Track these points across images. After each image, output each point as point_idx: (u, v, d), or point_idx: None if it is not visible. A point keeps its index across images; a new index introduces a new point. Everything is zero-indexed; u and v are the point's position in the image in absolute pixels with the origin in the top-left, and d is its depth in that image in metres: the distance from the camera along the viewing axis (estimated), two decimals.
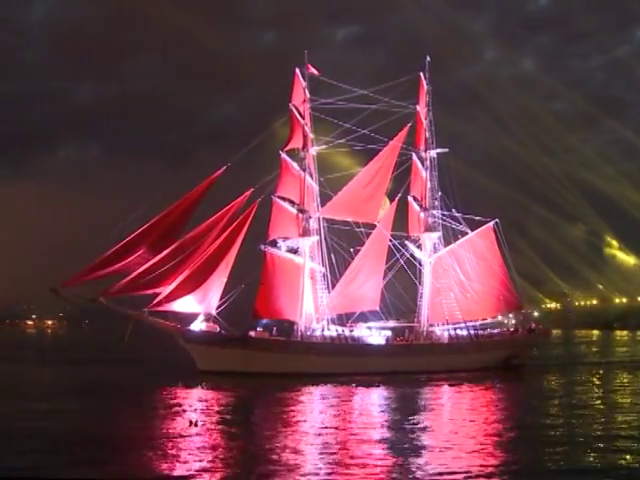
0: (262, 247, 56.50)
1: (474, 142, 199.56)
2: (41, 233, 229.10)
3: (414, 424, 31.26)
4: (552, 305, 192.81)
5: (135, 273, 54.25)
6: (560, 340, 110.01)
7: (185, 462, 23.21)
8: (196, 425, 30.16)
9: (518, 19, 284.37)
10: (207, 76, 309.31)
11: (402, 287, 61.41)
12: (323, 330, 57.44)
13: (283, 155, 57.73)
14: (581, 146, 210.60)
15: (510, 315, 65.72)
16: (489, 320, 63.73)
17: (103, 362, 66.93)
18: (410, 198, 61.36)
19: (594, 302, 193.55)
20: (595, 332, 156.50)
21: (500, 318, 66.40)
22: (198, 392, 45.85)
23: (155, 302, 54.65)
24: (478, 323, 62.53)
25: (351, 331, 57.62)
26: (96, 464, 22.65)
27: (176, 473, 21.92)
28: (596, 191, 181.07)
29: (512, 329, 66.51)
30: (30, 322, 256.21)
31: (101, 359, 71.18)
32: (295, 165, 58.93)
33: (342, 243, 59.67)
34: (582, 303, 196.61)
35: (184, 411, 35.45)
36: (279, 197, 57.50)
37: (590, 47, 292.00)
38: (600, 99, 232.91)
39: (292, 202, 58.76)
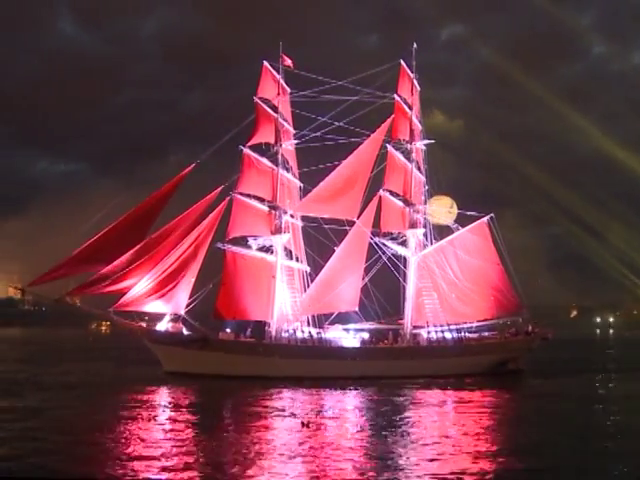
0: (221, 246, 54.56)
1: (575, 140, 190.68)
2: None
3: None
4: None
5: (100, 272, 53.51)
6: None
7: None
8: (308, 426, 29.61)
9: (626, 13, 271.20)
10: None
11: (385, 287, 58.34)
12: (294, 332, 55.08)
13: (246, 150, 55.62)
14: None
15: (520, 318, 60.68)
16: (487, 322, 59.28)
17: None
18: (386, 193, 57.88)
19: None
20: None
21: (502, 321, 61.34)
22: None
23: (121, 302, 53.78)
24: (473, 325, 58.48)
25: (318, 333, 54.96)
26: None
27: None
28: None
29: (512, 332, 61.40)
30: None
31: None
32: (265, 161, 56.82)
33: (326, 241, 57.38)
34: None
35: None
36: (241, 194, 55.44)
37: None
38: None
39: (261, 199, 56.69)
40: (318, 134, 57.08)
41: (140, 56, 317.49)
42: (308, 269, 58.22)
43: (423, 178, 60.89)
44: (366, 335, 56.27)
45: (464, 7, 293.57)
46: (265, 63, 57.39)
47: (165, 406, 38.15)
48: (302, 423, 30.24)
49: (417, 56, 60.58)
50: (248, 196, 55.86)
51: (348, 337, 55.51)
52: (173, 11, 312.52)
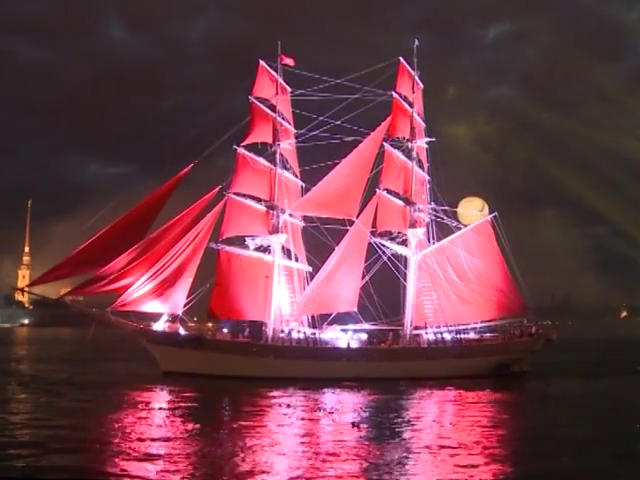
0: (215, 246, 54.29)
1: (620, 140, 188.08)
2: None
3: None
4: None
5: (99, 273, 53.72)
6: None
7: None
8: (359, 427, 29.47)
9: None
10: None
11: (385, 287, 57.57)
12: (290, 332, 54.64)
13: (240, 150, 55.21)
14: None
15: (525, 319, 59.34)
16: (491, 323, 58.03)
17: None
18: (383, 192, 57.00)
19: None
20: None
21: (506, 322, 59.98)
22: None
23: (119, 302, 53.88)
24: (477, 326, 57.36)
25: (313, 334, 54.40)
26: None
27: None
28: None
29: (516, 333, 59.85)
30: None
31: None
32: (262, 160, 56.45)
33: (327, 241, 56.89)
34: None
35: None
36: (236, 193, 55.15)
37: None
38: None
39: (257, 199, 56.38)
40: (323, 133, 56.34)
41: (187, 59, 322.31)
42: (310, 269, 57.84)
43: (426, 177, 60.03)
44: (364, 336, 55.51)
45: (510, 6, 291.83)
46: (261, 62, 56.95)
47: (165, 405, 38.19)
48: (352, 424, 29.97)
49: (418, 53, 59.75)
50: (243, 196, 55.48)
51: (345, 338, 54.79)
52: (220, 14, 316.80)
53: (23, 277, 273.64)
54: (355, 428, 29.24)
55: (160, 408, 36.89)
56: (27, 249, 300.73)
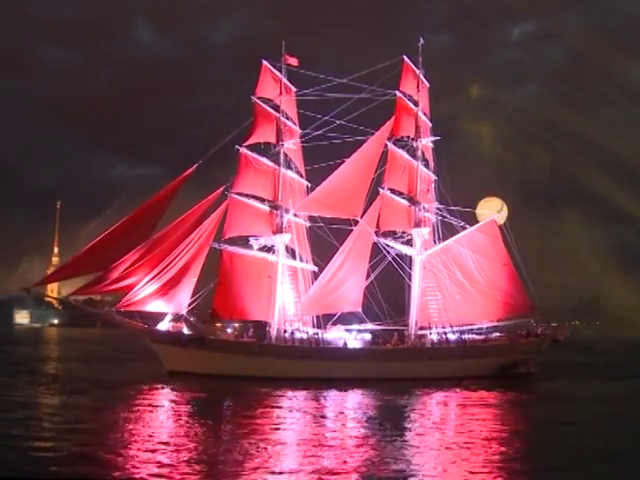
0: (217, 246, 54.36)
1: None
2: None
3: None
4: None
5: (104, 272, 54.16)
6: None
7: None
8: (386, 428, 29.44)
9: None
10: None
11: (390, 287, 57.24)
12: (293, 332, 54.54)
13: (242, 150, 55.27)
14: None
15: (532, 320, 58.67)
16: (497, 324, 57.43)
17: None
18: (386, 191, 56.67)
19: None
20: None
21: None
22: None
23: (123, 302, 54.26)
24: (483, 327, 56.80)
25: (316, 334, 54.24)
26: None
27: None
28: None
29: (523, 334, 59.10)
30: None
31: None
32: (265, 160, 56.48)
33: (334, 241, 56.76)
34: None
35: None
36: (239, 193, 55.21)
37: None
38: None
39: (261, 199, 56.40)
40: (329, 133, 56.10)
41: (213, 61, 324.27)
42: (315, 269, 57.72)
43: (432, 176, 59.63)
44: (368, 336, 55.24)
45: (535, 5, 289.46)
46: (264, 62, 57.02)
47: (167, 405, 38.43)
48: (380, 424, 30.08)
49: (423, 52, 59.43)
50: (246, 196, 55.56)
51: (348, 338, 54.56)
52: (246, 15, 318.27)
53: None
54: (380, 427, 29.28)
55: (163, 408, 37.24)
56: (56, 250, 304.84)
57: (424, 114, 59.81)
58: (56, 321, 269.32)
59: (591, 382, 53.70)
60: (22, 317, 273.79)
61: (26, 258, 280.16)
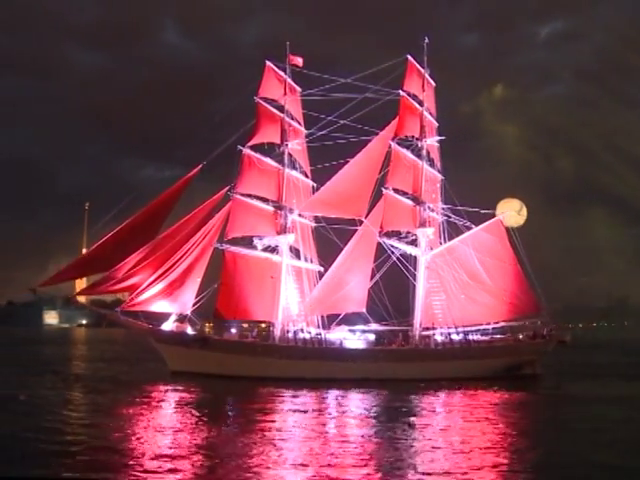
0: (219, 246, 54.49)
1: None
2: None
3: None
4: None
5: (109, 273, 54.52)
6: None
7: None
8: (414, 428, 29.75)
9: None
10: None
11: (395, 288, 56.94)
12: (296, 333, 54.49)
13: (245, 151, 55.35)
14: None
15: (537, 320, 57.94)
16: (504, 324, 56.76)
17: None
18: (389, 190, 56.35)
19: None
20: None
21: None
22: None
23: (129, 302, 54.76)
24: (490, 327, 56.19)
25: (318, 334, 54.13)
26: None
27: None
28: None
29: (530, 335, 58.29)
30: None
31: None
32: (269, 160, 56.55)
33: (339, 241, 56.66)
34: None
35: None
36: (242, 194, 55.29)
37: None
38: None
39: (264, 199, 56.44)
40: (335, 133, 55.96)
41: (239, 62, 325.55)
42: (321, 269, 57.64)
43: (438, 175, 59.23)
44: (372, 336, 55.00)
45: (563, 3, 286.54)
46: (268, 63, 57.09)
47: (172, 405, 38.65)
48: (408, 424, 30.03)
49: (428, 51, 58.99)
50: (249, 196, 55.63)
51: (352, 338, 54.38)
52: (272, 16, 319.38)
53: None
54: (410, 428, 29.21)
55: (166, 408, 37.48)
56: (84, 251, 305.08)
57: (430, 114, 59.43)
58: (84, 322, 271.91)
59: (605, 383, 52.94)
60: (51, 318, 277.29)
61: (55, 259, 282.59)
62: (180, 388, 45.13)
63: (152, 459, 22.90)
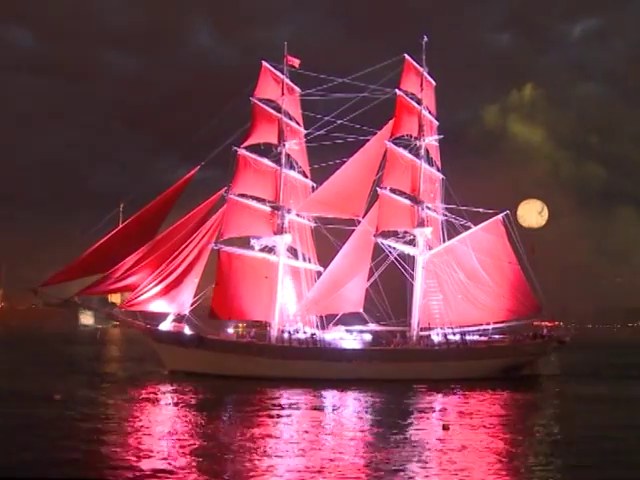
0: (214, 246, 54.60)
1: None
2: None
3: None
4: None
5: (108, 273, 54.95)
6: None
7: None
8: (448, 429, 29.72)
9: None
10: None
11: (392, 288, 56.49)
12: (293, 333, 54.36)
13: (240, 151, 55.40)
14: None
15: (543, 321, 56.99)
16: (503, 325, 55.91)
17: None
18: (385, 190, 55.87)
19: None
20: None
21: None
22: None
23: (127, 302, 55.32)
24: (489, 328, 55.38)
25: (313, 335, 53.93)
26: None
27: None
28: None
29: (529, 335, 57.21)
30: None
31: None
32: (265, 161, 56.56)
33: (338, 241, 56.47)
34: None
35: None
36: (237, 194, 55.37)
37: None
38: None
39: (261, 199, 56.45)
40: (334, 133, 56.09)
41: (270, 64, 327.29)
42: (320, 269, 57.47)
43: (438, 175, 58.65)
44: (368, 337, 54.63)
45: (597, 1, 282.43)
46: (264, 63, 57.13)
47: (169, 404, 38.98)
48: (443, 426, 29.91)
49: (427, 50, 58.44)
50: (245, 196, 55.69)
51: (348, 339, 54.08)
52: (304, 19, 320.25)
53: None
54: (445, 430, 29.05)
55: (163, 407, 37.83)
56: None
57: (429, 112, 58.89)
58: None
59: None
60: (86, 318, 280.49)
61: None
62: (180, 388, 45.20)
63: (152, 459, 23.11)
